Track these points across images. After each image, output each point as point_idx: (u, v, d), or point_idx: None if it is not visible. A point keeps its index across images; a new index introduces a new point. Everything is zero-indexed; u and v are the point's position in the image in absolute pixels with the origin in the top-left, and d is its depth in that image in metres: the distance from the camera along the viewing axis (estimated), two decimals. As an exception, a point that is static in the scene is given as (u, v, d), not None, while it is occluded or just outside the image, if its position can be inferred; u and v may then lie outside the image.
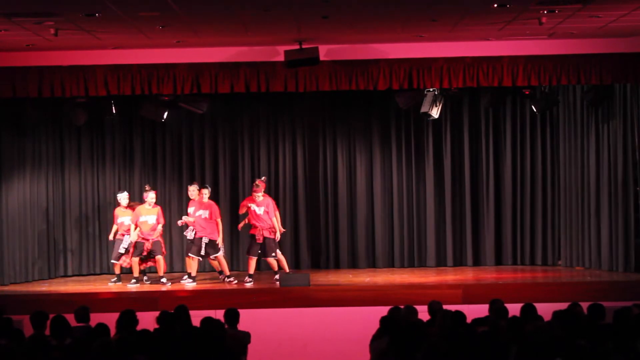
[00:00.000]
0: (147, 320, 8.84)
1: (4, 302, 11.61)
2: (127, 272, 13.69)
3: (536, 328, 7.08)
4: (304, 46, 12.01)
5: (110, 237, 13.73)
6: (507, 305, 8.51)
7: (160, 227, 13.39)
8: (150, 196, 13.33)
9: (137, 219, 13.25)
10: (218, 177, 15.22)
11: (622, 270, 13.38)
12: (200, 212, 13.20)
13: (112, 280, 13.51)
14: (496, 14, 10.34)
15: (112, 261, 13.68)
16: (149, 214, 13.30)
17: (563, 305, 8.55)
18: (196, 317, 8.56)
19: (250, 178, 15.24)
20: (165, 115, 13.92)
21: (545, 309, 8.53)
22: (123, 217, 13.50)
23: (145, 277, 13.59)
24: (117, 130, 15.07)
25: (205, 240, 13.15)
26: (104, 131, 15.03)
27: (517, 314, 8.29)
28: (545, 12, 10.20)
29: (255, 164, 15.31)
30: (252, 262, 13.21)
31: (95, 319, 8.49)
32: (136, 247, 13.26)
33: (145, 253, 13.35)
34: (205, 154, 15.27)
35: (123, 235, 13.45)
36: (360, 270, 14.79)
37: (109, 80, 12.40)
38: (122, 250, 13.40)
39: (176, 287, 13.02)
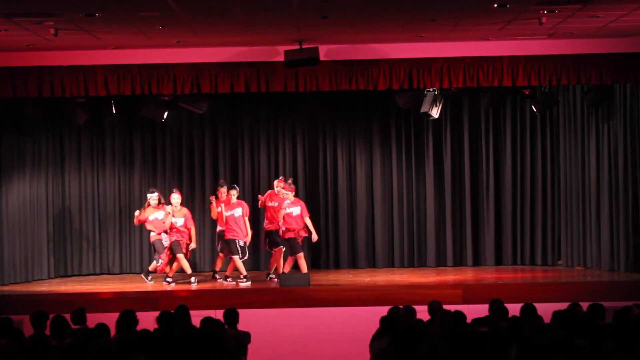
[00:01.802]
0: (147, 320, 8.84)
1: (4, 302, 11.63)
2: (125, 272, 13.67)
3: (536, 328, 7.08)
4: (304, 46, 12.01)
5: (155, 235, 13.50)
6: (507, 305, 8.50)
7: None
8: (175, 197, 13.27)
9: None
10: (218, 177, 15.20)
11: (623, 270, 13.38)
12: (232, 212, 13.19)
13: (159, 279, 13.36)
14: (496, 14, 10.34)
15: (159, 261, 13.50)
16: (178, 216, 13.26)
17: (563, 305, 8.54)
18: (196, 317, 8.56)
19: (250, 178, 15.27)
20: (165, 115, 13.93)
21: (545, 309, 8.52)
22: (155, 214, 13.36)
23: (150, 278, 13.52)
24: (117, 130, 15.07)
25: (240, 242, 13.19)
26: (104, 131, 15.04)
27: (517, 314, 8.29)
28: (545, 12, 10.19)
29: (255, 164, 15.32)
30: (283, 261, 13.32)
31: (95, 319, 8.47)
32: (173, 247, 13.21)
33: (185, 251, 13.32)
34: (205, 154, 15.27)
35: (160, 234, 13.30)
36: (360, 270, 14.79)
37: (109, 80, 12.39)
38: (161, 250, 13.31)
39: (177, 287, 13.02)
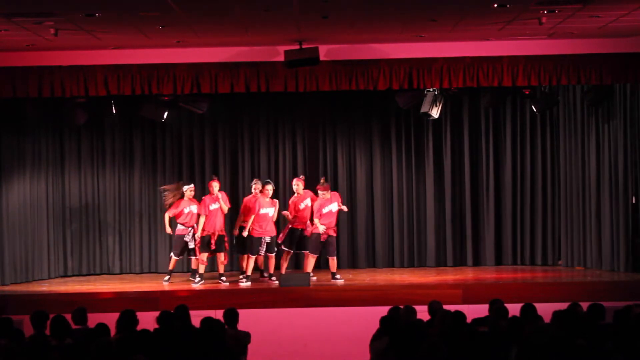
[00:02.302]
0: (147, 320, 8.84)
1: (4, 302, 11.63)
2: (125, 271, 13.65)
3: (536, 328, 7.09)
4: (304, 46, 12.01)
5: (168, 229, 13.50)
6: (507, 305, 8.51)
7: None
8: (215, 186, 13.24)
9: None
10: (218, 177, 15.18)
11: (623, 270, 13.38)
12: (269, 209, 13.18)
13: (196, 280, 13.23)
14: (496, 14, 10.34)
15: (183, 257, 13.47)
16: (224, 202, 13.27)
17: (563, 305, 8.54)
18: (196, 317, 8.56)
19: (250, 178, 15.23)
20: (165, 115, 13.93)
21: (545, 309, 8.53)
22: (190, 207, 13.33)
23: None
24: (117, 130, 15.07)
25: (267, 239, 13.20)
26: (104, 131, 15.03)
27: (517, 314, 8.29)
28: (545, 12, 10.19)
29: (255, 164, 15.31)
30: (313, 261, 13.23)
31: (95, 319, 8.48)
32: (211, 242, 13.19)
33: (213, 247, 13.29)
34: (205, 154, 15.27)
35: (188, 229, 13.27)
36: (360, 270, 14.79)
37: (109, 80, 12.40)
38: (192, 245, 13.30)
39: (178, 287, 13.03)
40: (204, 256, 13.17)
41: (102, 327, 7.95)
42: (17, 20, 9.90)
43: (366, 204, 15.28)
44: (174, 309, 8.74)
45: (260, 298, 12.19)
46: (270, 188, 13.27)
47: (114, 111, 14.00)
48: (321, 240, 13.11)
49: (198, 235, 13.14)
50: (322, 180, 13.38)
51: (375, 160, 15.31)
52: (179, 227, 13.36)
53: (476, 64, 12.51)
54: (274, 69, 12.45)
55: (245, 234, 13.16)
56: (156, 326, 8.23)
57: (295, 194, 13.46)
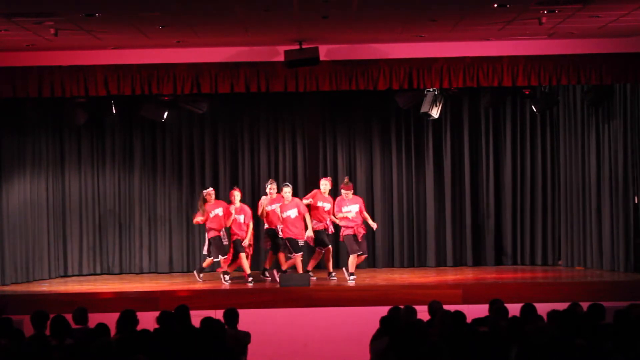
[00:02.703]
0: (147, 320, 8.84)
1: (4, 302, 11.63)
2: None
3: (536, 328, 7.08)
4: (304, 46, 12.01)
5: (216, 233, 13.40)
6: (507, 305, 8.51)
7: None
8: (237, 195, 13.26)
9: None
10: (218, 177, 15.21)
11: (623, 270, 13.37)
12: (291, 211, 13.17)
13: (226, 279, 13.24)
14: (496, 14, 10.34)
15: (218, 258, 13.38)
16: (240, 213, 13.25)
17: (563, 305, 8.54)
18: (196, 317, 8.56)
19: (250, 178, 15.26)
20: (165, 115, 13.93)
21: (545, 309, 8.51)
22: (215, 210, 13.31)
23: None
24: (117, 130, 15.07)
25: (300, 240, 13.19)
26: (104, 131, 15.03)
27: (517, 314, 8.30)
28: (545, 12, 10.20)
29: (255, 164, 15.32)
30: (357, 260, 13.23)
31: (95, 319, 8.48)
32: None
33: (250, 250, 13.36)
34: (205, 154, 15.27)
35: (219, 231, 13.25)
36: (360, 270, 14.71)
37: (109, 80, 12.39)
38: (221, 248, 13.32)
39: (178, 287, 13.03)
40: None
41: (102, 327, 7.95)
42: (17, 20, 9.91)
43: (366, 203, 15.24)
44: (174, 309, 8.74)
45: (260, 298, 12.19)
46: (288, 190, 13.21)
47: (114, 111, 14.00)
48: (359, 240, 13.13)
49: (246, 242, 13.17)
50: (345, 180, 13.38)
51: (375, 160, 15.31)
52: (212, 230, 13.28)
53: (476, 64, 12.51)
54: (274, 69, 12.45)
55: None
56: (156, 326, 8.23)
57: (326, 194, 13.39)
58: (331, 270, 13.46)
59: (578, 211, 14.35)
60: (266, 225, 13.42)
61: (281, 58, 12.16)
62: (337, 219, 13.22)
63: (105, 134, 15.05)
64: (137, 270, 15.01)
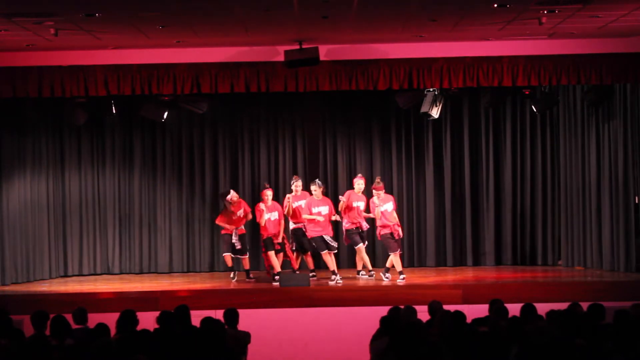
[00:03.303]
0: (147, 320, 8.84)
1: (4, 302, 11.62)
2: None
3: (536, 328, 7.08)
4: (304, 46, 12.01)
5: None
6: (507, 305, 8.51)
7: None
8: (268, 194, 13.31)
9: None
10: (218, 177, 15.22)
11: (623, 270, 13.37)
12: (320, 209, 13.18)
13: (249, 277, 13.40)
14: (496, 14, 10.34)
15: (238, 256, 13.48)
16: (272, 211, 13.30)
17: (563, 305, 8.55)
18: (196, 317, 8.56)
19: (250, 178, 15.26)
20: (165, 115, 13.93)
21: (545, 309, 8.51)
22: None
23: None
24: (117, 130, 15.07)
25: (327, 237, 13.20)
26: (104, 131, 15.04)
27: (517, 314, 8.30)
28: (545, 12, 10.20)
29: (255, 164, 15.32)
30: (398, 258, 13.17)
31: (95, 319, 8.48)
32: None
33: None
34: (205, 154, 15.27)
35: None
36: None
37: (109, 80, 12.40)
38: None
39: (178, 287, 13.03)
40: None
41: (102, 327, 7.95)
42: (17, 20, 9.91)
43: (366, 203, 15.25)
44: (174, 309, 8.74)
45: (260, 298, 12.19)
46: (315, 188, 13.20)
47: (114, 111, 14.01)
48: (396, 238, 13.12)
49: (280, 238, 13.26)
50: (377, 180, 13.35)
51: (375, 160, 15.32)
52: (238, 228, 13.40)
53: (476, 64, 12.51)
54: (274, 69, 12.45)
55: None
56: (156, 326, 8.23)
57: (359, 193, 13.39)
58: (360, 268, 13.50)
59: (578, 211, 14.35)
60: (292, 225, 13.39)
61: (281, 58, 12.16)
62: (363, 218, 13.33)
63: (105, 134, 15.05)
64: (137, 270, 15.01)
